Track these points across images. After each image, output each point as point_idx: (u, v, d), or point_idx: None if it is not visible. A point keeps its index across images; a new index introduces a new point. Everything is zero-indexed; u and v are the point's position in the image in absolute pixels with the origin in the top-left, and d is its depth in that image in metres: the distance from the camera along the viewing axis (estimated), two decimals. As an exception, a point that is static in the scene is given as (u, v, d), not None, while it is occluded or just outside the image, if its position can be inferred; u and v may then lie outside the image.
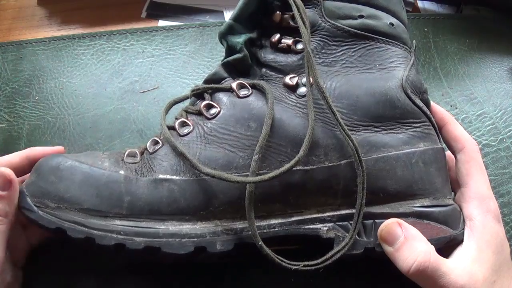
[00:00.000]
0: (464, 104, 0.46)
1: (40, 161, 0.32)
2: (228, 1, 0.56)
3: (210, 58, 0.50)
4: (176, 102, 0.36)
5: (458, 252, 0.31)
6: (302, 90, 0.33)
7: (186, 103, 0.36)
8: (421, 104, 0.33)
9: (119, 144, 0.44)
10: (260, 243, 0.30)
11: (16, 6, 0.58)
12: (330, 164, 0.31)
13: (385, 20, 0.34)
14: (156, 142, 0.33)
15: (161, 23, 0.55)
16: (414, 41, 0.36)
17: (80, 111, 0.46)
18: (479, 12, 0.55)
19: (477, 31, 0.52)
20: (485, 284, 0.29)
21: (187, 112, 0.34)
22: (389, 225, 0.30)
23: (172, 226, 0.30)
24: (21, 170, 0.33)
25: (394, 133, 0.32)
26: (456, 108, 0.46)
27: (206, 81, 0.35)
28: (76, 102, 0.47)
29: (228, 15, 0.56)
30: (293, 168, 0.30)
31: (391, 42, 0.34)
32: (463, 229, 0.32)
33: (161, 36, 0.52)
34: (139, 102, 0.47)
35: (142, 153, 0.33)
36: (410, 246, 0.29)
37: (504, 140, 0.44)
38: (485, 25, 0.52)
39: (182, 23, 0.54)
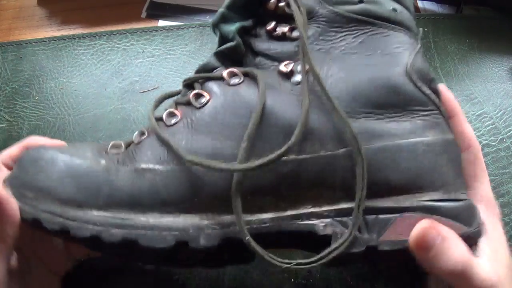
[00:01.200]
0: (464, 104, 0.46)
1: (22, 153, 0.31)
2: (228, 1, 0.56)
3: (210, 58, 0.50)
4: (168, 96, 0.35)
5: (477, 252, 0.29)
6: (298, 77, 0.31)
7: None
8: (428, 91, 0.30)
9: (119, 144, 0.44)
10: (247, 237, 0.27)
11: (16, 6, 0.58)
12: (326, 153, 0.29)
13: (386, 5, 0.32)
14: (143, 133, 0.32)
15: (161, 23, 0.55)
16: (421, 29, 0.34)
17: (80, 111, 0.46)
18: (479, 12, 0.55)
19: (477, 31, 0.52)
20: (505, 281, 0.28)
21: (177, 103, 0.32)
22: (422, 231, 0.27)
23: (152, 218, 0.28)
24: None
25: (399, 121, 0.30)
26: (456, 108, 0.46)
27: (198, 71, 0.34)
28: (76, 102, 0.47)
29: (228, 15, 0.55)
30: (285, 157, 0.28)
31: (395, 28, 0.31)
32: (478, 227, 0.29)
33: (161, 36, 0.52)
34: (139, 102, 0.47)
35: (128, 145, 0.32)
36: (449, 247, 0.27)
37: (504, 140, 0.44)
38: (485, 25, 0.52)
39: (182, 23, 0.54)
